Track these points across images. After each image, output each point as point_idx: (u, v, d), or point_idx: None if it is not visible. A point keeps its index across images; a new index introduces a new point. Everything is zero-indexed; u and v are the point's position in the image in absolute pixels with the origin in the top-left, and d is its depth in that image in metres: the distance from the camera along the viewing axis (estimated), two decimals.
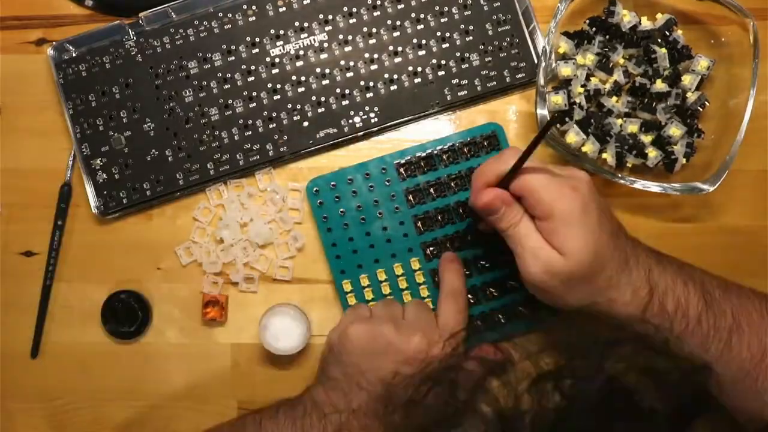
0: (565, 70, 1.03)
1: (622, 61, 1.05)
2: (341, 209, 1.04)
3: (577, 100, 1.03)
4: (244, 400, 1.07)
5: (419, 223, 1.04)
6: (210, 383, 1.07)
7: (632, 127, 1.03)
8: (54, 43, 1.06)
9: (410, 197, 1.04)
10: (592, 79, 1.05)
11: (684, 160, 1.03)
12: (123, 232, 1.07)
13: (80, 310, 1.07)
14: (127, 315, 1.05)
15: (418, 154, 1.04)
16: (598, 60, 1.04)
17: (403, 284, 1.04)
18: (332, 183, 1.04)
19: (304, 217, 1.07)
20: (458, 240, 1.05)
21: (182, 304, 1.07)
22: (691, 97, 1.03)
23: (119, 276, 1.07)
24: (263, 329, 1.01)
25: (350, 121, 1.05)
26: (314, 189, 1.04)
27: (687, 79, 1.03)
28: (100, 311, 1.06)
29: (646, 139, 1.04)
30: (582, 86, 1.03)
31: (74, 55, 1.05)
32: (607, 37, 1.05)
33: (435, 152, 1.04)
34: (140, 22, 1.04)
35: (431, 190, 1.04)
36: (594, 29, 1.05)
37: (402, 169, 1.04)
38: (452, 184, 1.05)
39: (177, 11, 1.05)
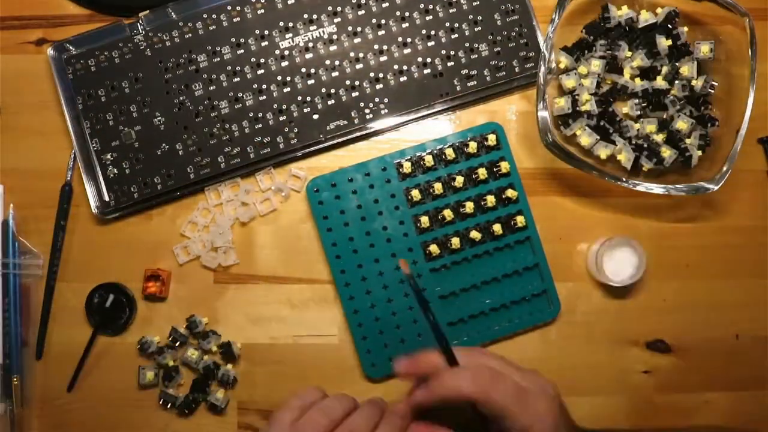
0: (568, 82, 1.14)
1: (629, 54, 1.15)
2: (341, 209, 1.13)
3: (588, 108, 1.13)
4: (244, 400, 1.15)
5: (419, 223, 1.12)
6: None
7: (650, 126, 1.13)
8: (54, 43, 1.14)
9: (410, 197, 1.13)
10: (603, 85, 1.16)
11: (700, 152, 1.13)
12: (123, 232, 1.16)
13: (81, 311, 1.14)
14: (111, 308, 1.13)
15: (418, 154, 1.13)
16: (606, 63, 1.14)
17: (402, 284, 1.13)
18: (332, 182, 1.13)
19: (304, 217, 1.16)
20: (459, 238, 1.13)
21: (182, 304, 1.15)
22: (698, 83, 1.13)
23: (119, 276, 1.15)
24: (601, 262, 1.11)
25: (360, 113, 1.14)
26: (314, 189, 1.13)
27: (686, 70, 1.13)
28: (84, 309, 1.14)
29: (659, 138, 1.14)
30: (592, 94, 1.13)
31: (75, 53, 1.14)
32: (608, 40, 1.15)
33: (435, 152, 1.14)
34: (140, 22, 1.14)
35: (431, 190, 1.13)
36: (592, 37, 1.15)
37: (402, 169, 1.13)
38: (452, 183, 1.13)
39: (177, 11, 1.14)
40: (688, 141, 1.12)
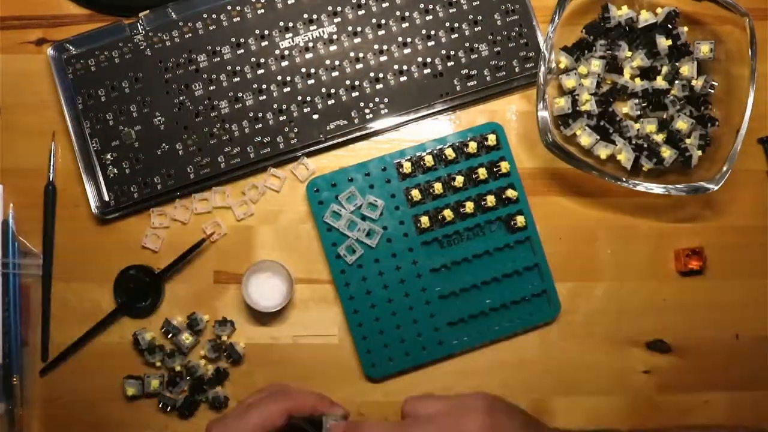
0: (568, 82, 1.15)
1: (629, 54, 1.16)
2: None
3: (588, 108, 1.14)
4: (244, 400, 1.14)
5: (419, 223, 1.13)
6: None
7: (650, 126, 1.14)
8: (54, 43, 1.15)
9: (410, 197, 1.13)
10: (603, 85, 1.16)
11: (700, 152, 1.14)
12: (123, 232, 1.16)
13: (81, 311, 1.16)
14: (138, 290, 1.14)
15: (418, 154, 1.14)
16: (606, 63, 1.15)
17: (403, 283, 1.14)
18: (332, 182, 1.14)
19: (304, 216, 1.16)
20: (457, 238, 1.14)
21: (182, 303, 1.16)
22: (698, 83, 1.14)
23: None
24: (246, 287, 1.10)
25: (360, 113, 1.15)
26: (314, 188, 1.14)
27: (686, 70, 1.13)
28: (112, 290, 1.14)
29: (659, 137, 1.14)
30: (592, 94, 1.14)
31: (75, 53, 1.14)
32: (608, 40, 1.16)
33: (435, 152, 1.14)
34: (140, 22, 1.15)
35: (431, 190, 1.14)
36: (592, 37, 1.16)
37: (402, 169, 1.14)
38: (452, 183, 1.14)
39: (177, 11, 1.15)
40: (688, 141, 1.13)
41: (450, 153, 1.13)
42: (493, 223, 1.14)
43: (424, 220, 1.12)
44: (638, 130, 1.13)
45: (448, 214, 1.12)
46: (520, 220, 1.13)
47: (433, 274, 1.13)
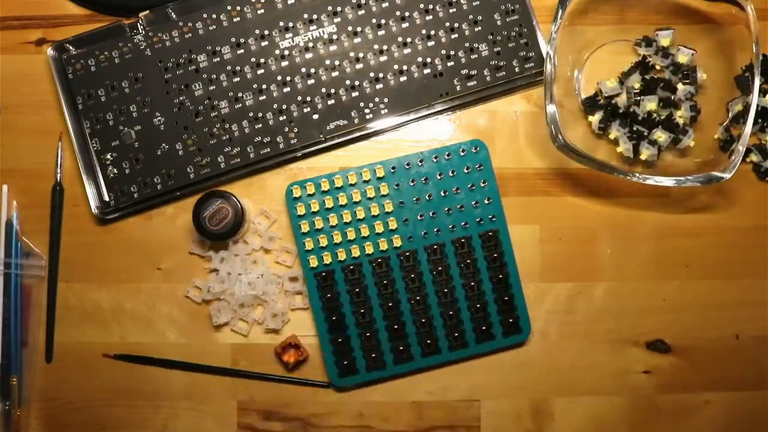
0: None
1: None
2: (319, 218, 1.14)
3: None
4: (244, 400, 1.17)
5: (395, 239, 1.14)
6: (210, 383, 1.17)
7: (651, 104, 1.14)
8: (54, 43, 1.16)
9: (388, 210, 1.14)
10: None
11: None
12: (123, 232, 1.17)
13: (81, 311, 1.17)
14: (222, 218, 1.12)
15: (401, 166, 1.14)
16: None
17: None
18: (311, 187, 1.14)
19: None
20: (438, 251, 1.14)
21: (182, 304, 1.17)
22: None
23: (119, 276, 1.17)
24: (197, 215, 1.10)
25: (360, 113, 1.16)
26: (293, 194, 1.14)
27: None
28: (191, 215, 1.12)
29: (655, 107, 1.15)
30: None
31: (75, 53, 1.15)
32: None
33: (416, 167, 1.14)
34: (140, 22, 1.16)
35: (413, 203, 1.14)
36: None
37: (381, 184, 1.14)
38: (432, 199, 1.14)
39: (177, 11, 1.16)
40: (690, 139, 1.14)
41: (431, 168, 1.14)
42: (471, 240, 1.14)
43: (396, 240, 1.13)
44: (640, 108, 1.14)
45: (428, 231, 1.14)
46: (499, 248, 1.14)
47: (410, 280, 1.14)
